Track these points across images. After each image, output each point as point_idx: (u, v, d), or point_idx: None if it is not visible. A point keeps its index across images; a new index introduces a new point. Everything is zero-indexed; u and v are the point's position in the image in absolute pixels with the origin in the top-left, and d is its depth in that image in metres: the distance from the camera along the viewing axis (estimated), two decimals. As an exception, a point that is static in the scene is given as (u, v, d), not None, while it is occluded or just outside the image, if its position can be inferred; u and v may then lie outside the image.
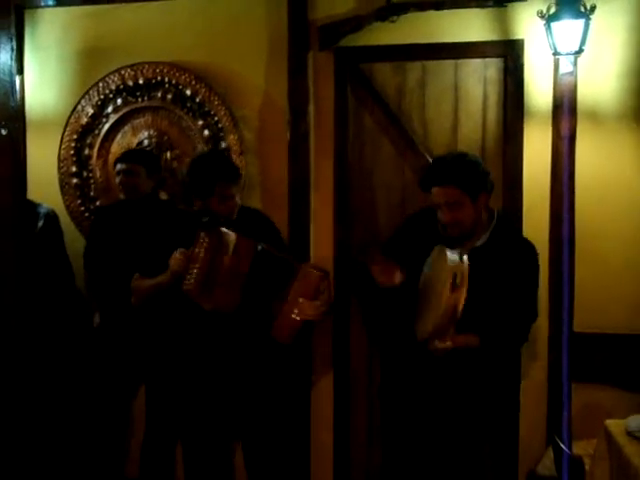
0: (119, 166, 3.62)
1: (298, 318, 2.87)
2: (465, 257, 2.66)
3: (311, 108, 3.64)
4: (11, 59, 2.01)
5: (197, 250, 2.80)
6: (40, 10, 3.95)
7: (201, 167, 2.98)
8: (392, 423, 3.07)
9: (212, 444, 3.09)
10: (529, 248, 2.92)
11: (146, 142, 3.84)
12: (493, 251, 2.84)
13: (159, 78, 3.79)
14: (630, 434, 2.57)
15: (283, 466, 3.22)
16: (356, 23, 3.53)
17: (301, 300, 2.86)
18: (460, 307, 2.62)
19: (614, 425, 2.69)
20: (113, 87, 3.85)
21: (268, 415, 3.10)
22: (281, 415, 3.15)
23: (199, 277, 2.79)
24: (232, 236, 2.81)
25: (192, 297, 2.81)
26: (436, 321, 2.66)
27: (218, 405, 3.03)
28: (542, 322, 3.40)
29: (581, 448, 2.94)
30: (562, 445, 2.66)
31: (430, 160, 3.42)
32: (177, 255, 2.81)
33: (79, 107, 3.91)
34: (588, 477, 2.70)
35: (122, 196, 3.67)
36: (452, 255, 2.66)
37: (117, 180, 3.65)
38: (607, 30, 3.33)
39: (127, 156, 3.64)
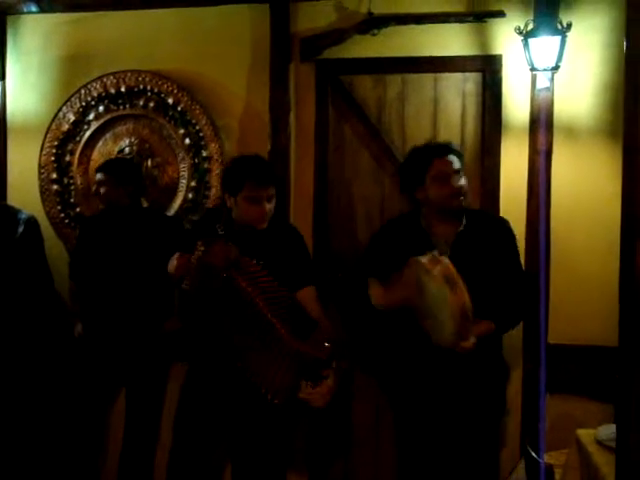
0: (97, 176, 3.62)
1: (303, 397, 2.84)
2: (436, 253, 2.71)
3: (292, 119, 3.67)
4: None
5: (193, 257, 2.88)
6: (23, 16, 3.96)
7: (236, 163, 3.08)
8: (404, 429, 3.10)
9: (201, 457, 3.10)
10: (502, 221, 3.10)
11: (127, 150, 3.85)
12: (474, 231, 2.95)
13: (141, 86, 3.81)
14: (600, 443, 2.60)
15: None
16: (337, 36, 3.57)
17: (304, 384, 2.82)
18: (468, 301, 2.60)
19: (585, 434, 2.73)
20: (95, 94, 3.86)
21: (260, 434, 3.08)
22: (272, 433, 3.12)
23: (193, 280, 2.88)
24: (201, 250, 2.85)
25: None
26: (454, 328, 2.63)
27: (216, 421, 3.08)
28: (517, 333, 3.44)
29: (553, 458, 2.97)
30: (533, 454, 2.68)
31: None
32: (174, 260, 2.94)
33: (60, 114, 3.91)
34: (559, 486, 2.74)
35: (101, 206, 3.67)
36: (427, 259, 2.68)
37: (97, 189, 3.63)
38: (583, 47, 3.39)
39: (100, 166, 3.64)
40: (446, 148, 2.98)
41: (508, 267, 2.99)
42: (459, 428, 2.96)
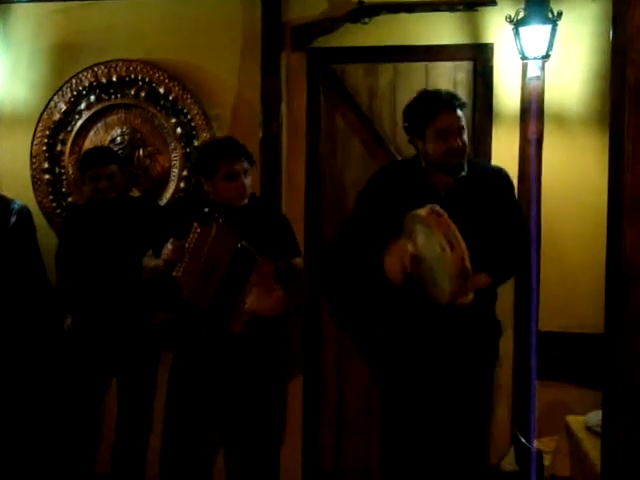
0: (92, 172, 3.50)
1: (247, 307, 2.90)
2: (437, 208, 2.64)
3: (283, 108, 3.67)
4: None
5: (189, 241, 2.89)
6: (13, 5, 3.93)
7: (205, 147, 3.16)
8: (393, 407, 3.09)
9: (194, 443, 3.13)
10: (500, 171, 3.06)
11: (119, 139, 3.84)
12: (472, 181, 2.92)
13: (132, 76, 3.80)
14: (589, 429, 2.63)
15: (263, 468, 3.23)
16: (329, 24, 3.57)
17: (254, 290, 2.90)
18: (467, 258, 2.55)
19: (574, 421, 2.76)
20: (86, 84, 3.85)
21: (251, 415, 3.12)
22: (263, 416, 3.16)
23: (187, 267, 2.89)
24: (214, 231, 2.87)
25: (179, 284, 2.91)
26: (453, 285, 2.60)
27: (203, 405, 3.10)
28: (507, 320, 3.47)
29: (543, 444, 3.01)
30: (522, 439, 2.71)
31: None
32: (169, 245, 2.91)
33: (52, 103, 3.90)
34: (549, 471, 2.77)
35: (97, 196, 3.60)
36: (426, 212, 2.63)
37: (92, 186, 3.52)
38: (574, 36, 3.40)
39: (98, 159, 3.52)
40: (453, 101, 2.87)
41: (505, 217, 2.95)
42: (453, 386, 2.94)
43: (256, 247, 2.93)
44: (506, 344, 3.50)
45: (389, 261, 2.77)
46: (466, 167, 2.93)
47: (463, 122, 2.88)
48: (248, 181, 3.02)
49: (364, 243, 2.95)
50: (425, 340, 2.93)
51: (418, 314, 2.91)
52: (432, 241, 2.62)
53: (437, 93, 2.93)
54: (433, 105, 2.86)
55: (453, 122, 2.84)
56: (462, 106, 2.90)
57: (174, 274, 2.91)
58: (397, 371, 3.04)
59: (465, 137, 2.88)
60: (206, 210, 2.95)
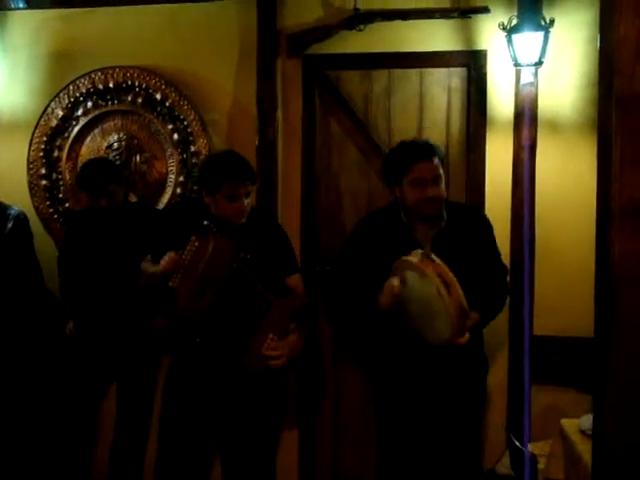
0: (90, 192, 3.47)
1: (265, 352, 2.91)
2: (425, 251, 2.70)
3: (279, 114, 3.70)
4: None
5: (185, 253, 2.89)
6: (10, 13, 3.96)
7: (212, 162, 3.09)
8: (388, 422, 3.11)
9: (190, 449, 3.13)
10: (478, 212, 3.16)
11: (116, 145, 3.87)
12: (454, 226, 2.95)
13: (129, 82, 3.83)
14: (583, 432, 2.65)
15: (260, 473, 3.24)
16: (324, 31, 3.60)
17: (270, 336, 2.92)
18: (464, 300, 2.60)
19: (569, 424, 2.78)
20: (83, 90, 3.87)
21: (248, 420, 3.12)
22: (259, 420, 3.16)
23: (182, 278, 2.88)
24: (211, 247, 2.86)
25: (176, 294, 2.92)
26: (454, 328, 2.63)
27: (199, 410, 3.11)
28: (502, 324, 3.50)
29: (538, 448, 3.02)
30: (517, 442, 2.73)
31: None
32: (166, 257, 2.91)
33: (49, 109, 3.92)
34: (544, 474, 2.79)
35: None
36: (418, 259, 2.67)
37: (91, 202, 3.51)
38: (566, 43, 3.43)
39: (96, 181, 3.45)
40: (429, 151, 2.90)
41: (488, 258, 3.01)
42: (442, 419, 2.98)
43: (254, 263, 2.93)
44: (501, 348, 3.54)
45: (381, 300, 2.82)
46: (445, 215, 2.95)
47: (440, 171, 2.89)
48: (249, 201, 3.02)
49: (355, 282, 2.98)
50: (415, 372, 2.97)
51: (409, 349, 2.94)
52: (426, 286, 2.64)
53: (414, 143, 2.97)
54: (409, 155, 2.90)
55: (429, 171, 2.87)
56: (439, 155, 2.92)
57: (170, 284, 2.90)
58: (388, 393, 3.08)
59: (442, 186, 2.90)
60: (205, 223, 2.95)
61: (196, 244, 2.88)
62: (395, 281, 2.74)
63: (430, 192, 2.86)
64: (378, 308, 2.83)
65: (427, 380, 2.96)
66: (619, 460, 1.57)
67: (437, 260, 2.66)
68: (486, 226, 3.07)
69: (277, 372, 3.00)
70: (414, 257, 2.69)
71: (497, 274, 3.05)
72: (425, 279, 2.63)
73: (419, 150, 2.90)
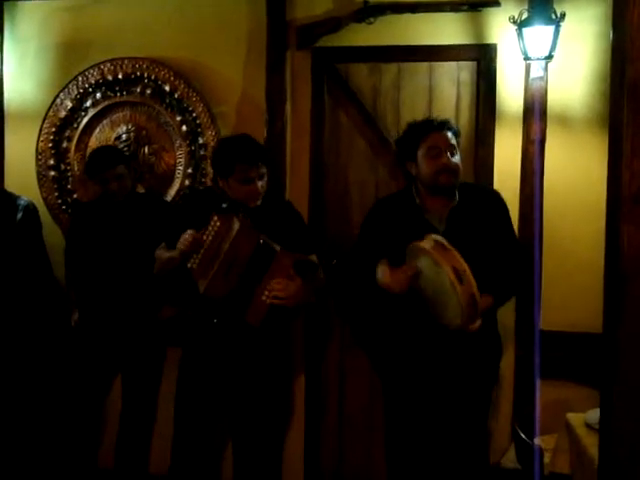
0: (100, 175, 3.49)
1: (267, 300, 2.92)
2: (440, 239, 2.70)
3: (288, 106, 3.69)
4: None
5: (207, 233, 2.91)
6: (20, 3, 3.96)
7: (224, 146, 3.10)
8: (396, 418, 3.11)
9: (204, 437, 3.16)
10: (494, 193, 3.12)
11: (124, 137, 3.87)
12: (468, 206, 2.95)
13: (138, 73, 3.82)
14: (589, 426, 2.65)
15: (270, 465, 3.27)
16: (334, 24, 3.59)
17: (272, 282, 2.92)
18: (476, 289, 2.61)
19: (575, 418, 2.78)
20: (92, 81, 3.87)
21: (261, 411, 3.15)
22: (271, 412, 3.20)
23: (203, 259, 2.91)
24: (237, 225, 2.88)
25: (194, 276, 2.94)
26: (464, 316, 2.65)
27: (213, 399, 3.13)
28: (509, 319, 3.50)
29: (544, 442, 3.02)
30: (523, 436, 2.73)
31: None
32: (186, 236, 2.92)
33: (58, 100, 3.93)
34: (549, 468, 2.79)
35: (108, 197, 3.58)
36: (431, 247, 2.66)
37: (103, 188, 3.52)
38: (577, 37, 3.41)
39: (106, 162, 3.49)
40: (443, 123, 2.95)
41: (502, 239, 3.00)
42: (453, 403, 2.98)
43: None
44: (508, 342, 3.53)
45: (392, 274, 2.81)
46: (457, 195, 2.96)
47: (454, 142, 2.92)
48: (263, 183, 3.03)
49: (369, 267, 2.96)
50: (427, 356, 2.97)
51: (421, 332, 2.95)
52: (439, 274, 2.65)
53: (428, 119, 3.02)
54: (423, 127, 2.95)
55: (443, 141, 2.90)
56: (454, 131, 2.95)
57: (189, 265, 2.93)
58: (398, 380, 3.08)
59: (457, 158, 2.92)
60: (224, 205, 2.97)
61: (218, 224, 2.89)
62: (409, 270, 2.75)
63: (445, 160, 2.88)
64: (390, 293, 2.83)
65: (438, 363, 2.96)
66: (625, 454, 1.57)
67: (449, 246, 2.66)
68: (500, 205, 3.06)
69: (282, 321, 3.04)
70: (427, 243, 2.69)
71: (513, 253, 3.02)
72: (437, 266, 2.64)
73: (432, 123, 2.95)
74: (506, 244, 3.01)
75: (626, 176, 1.25)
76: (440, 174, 2.89)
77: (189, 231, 2.92)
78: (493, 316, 3.03)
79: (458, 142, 2.98)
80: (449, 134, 2.93)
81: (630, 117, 1.24)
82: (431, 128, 2.93)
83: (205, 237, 2.91)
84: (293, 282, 2.94)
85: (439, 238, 2.71)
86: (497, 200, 3.07)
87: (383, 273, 2.86)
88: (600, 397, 1.72)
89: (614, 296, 1.41)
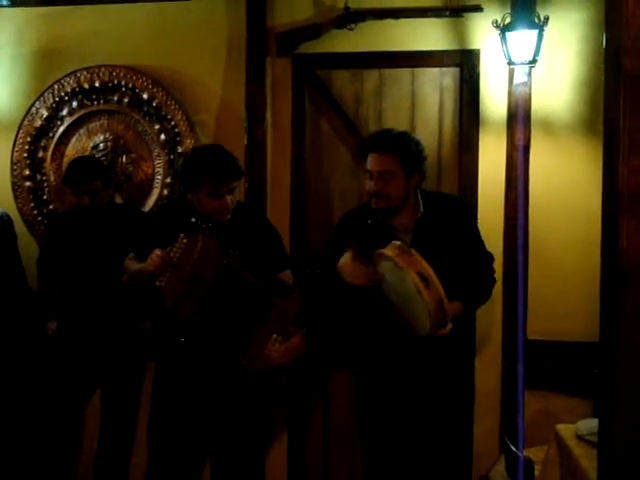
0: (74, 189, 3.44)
1: (268, 354, 2.86)
2: (404, 246, 2.67)
3: (268, 114, 3.64)
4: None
5: (174, 251, 2.82)
6: (-5, 10, 3.90)
7: (194, 158, 2.97)
8: (371, 424, 3.07)
9: (178, 456, 3.07)
10: (457, 201, 3.08)
11: (102, 146, 3.80)
12: (433, 216, 2.91)
13: (115, 81, 3.76)
14: (580, 437, 2.60)
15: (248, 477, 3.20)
16: (314, 30, 3.55)
17: (274, 337, 2.86)
18: (443, 293, 2.58)
19: (564, 429, 2.73)
20: (69, 89, 3.80)
21: (238, 428, 3.07)
22: (250, 429, 3.12)
23: (171, 277, 2.82)
24: (200, 244, 2.80)
25: (162, 294, 2.85)
26: (432, 321, 2.61)
27: (188, 415, 3.04)
28: (496, 328, 3.46)
29: (532, 454, 2.96)
30: (512, 447, 2.67)
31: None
32: (154, 255, 2.82)
33: (33, 109, 3.85)
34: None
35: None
36: (394, 254, 2.63)
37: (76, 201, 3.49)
38: (560, 41, 3.39)
39: (81, 176, 3.42)
40: (388, 145, 2.84)
41: (469, 246, 2.97)
42: (424, 408, 2.94)
43: (243, 259, 2.85)
44: (494, 353, 3.48)
45: (353, 263, 2.78)
46: (422, 206, 2.92)
47: (386, 167, 2.82)
48: (233, 197, 2.93)
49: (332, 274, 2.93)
50: (398, 362, 2.94)
51: (391, 338, 2.91)
52: (404, 279, 2.62)
53: (381, 132, 2.96)
54: (369, 143, 2.91)
55: (375, 163, 2.85)
56: (398, 151, 2.83)
57: (157, 284, 2.84)
58: (370, 384, 3.04)
59: (387, 185, 2.83)
60: (192, 220, 2.88)
61: (184, 242, 2.81)
62: (372, 274, 2.74)
63: (369, 185, 2.87)
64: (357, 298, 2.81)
65: (411, 369, 2.92)
66: (625, 467, 1.52)
67: (413, 252, 2.63)
68: (467, 214, 3.04)
69: (275, 371, 2.96)
70: (390, 250, 2.66)
71: (481, 261, 3.00)
72: (401, 272, 2.61)
73: (379, 141, 2.88)
74: (473, 251, 2.98)
75: (623, 172, 1.20)
76: (370, 197, 2.89)
77: (157, 251, 2.82)
78: (464, 323, 2.97)
79: (411, 166, 2.87)
80: (387, 158, 2.83)
81: (626, 108, 1.17)
82: (372, 148, 2.87)
83: (172, 255, 2.82)
84: (294, 339, 2.88)
85: (402, 245, 2.68)
86: (462, 207, 3.04)
87: (345, 259, 2.83)
88: (596, 409, 1.66)
89: (612, 295, 1.35)
